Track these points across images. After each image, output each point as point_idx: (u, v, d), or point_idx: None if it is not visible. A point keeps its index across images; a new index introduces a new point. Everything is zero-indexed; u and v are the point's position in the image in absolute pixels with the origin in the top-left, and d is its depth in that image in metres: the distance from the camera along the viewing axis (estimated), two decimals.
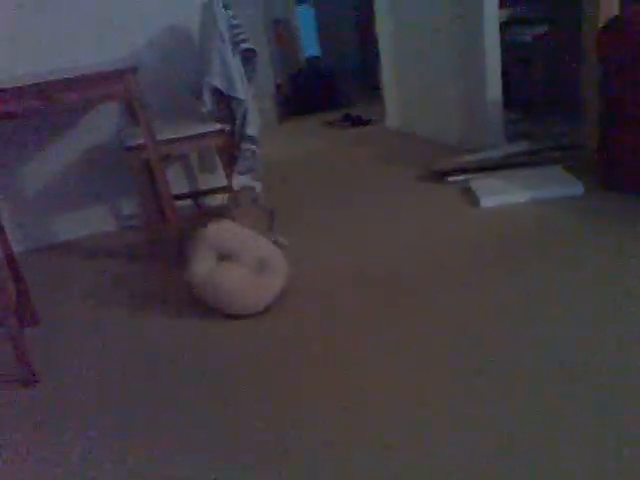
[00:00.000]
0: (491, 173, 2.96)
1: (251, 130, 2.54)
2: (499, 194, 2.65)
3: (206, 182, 3.23)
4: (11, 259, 2.04)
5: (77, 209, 3.06)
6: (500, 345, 1.61)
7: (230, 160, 2.69)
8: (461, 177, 3.01)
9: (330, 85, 5.64)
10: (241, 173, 2.60)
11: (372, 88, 5.74)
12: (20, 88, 2.01)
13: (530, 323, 1.69)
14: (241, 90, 2.41)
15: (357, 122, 4.74)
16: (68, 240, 3.05)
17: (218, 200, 3.20)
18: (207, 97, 2.41)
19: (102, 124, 2.97)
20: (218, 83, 2.38)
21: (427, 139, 3.95)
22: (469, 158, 3.11)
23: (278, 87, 5.48)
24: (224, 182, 2.93)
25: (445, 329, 1.73)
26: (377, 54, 4.42)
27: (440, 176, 3.08)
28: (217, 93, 2.47)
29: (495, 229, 2.38)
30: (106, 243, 2.92)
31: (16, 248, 2.88)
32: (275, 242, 2.27)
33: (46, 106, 1.98)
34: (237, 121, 2.55)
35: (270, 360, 1.72)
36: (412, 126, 4.16)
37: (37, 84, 2.05)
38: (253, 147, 2.58)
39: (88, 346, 1.97)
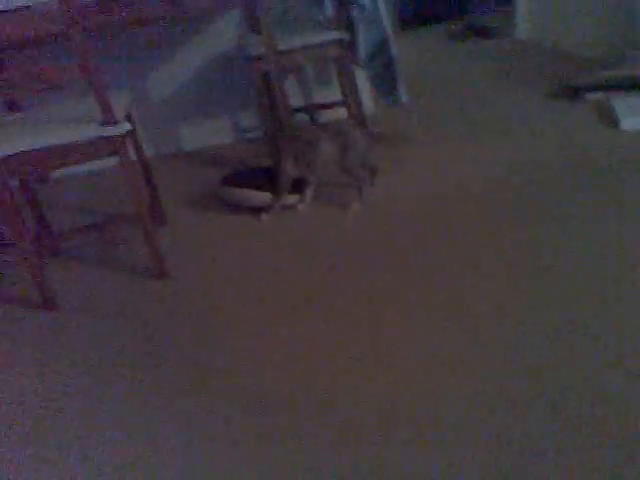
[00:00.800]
0: (636, 91, 2.64)
1: (387, 30, 2.42)
2: None
3: (322, 96, 3.18)
4: (145, 163, 2.18)
5: (199, 120, 3.17)
6: None
7: (347, 73, 2.61)
8: (599, 95, 2.71)
9: None
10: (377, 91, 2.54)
11: None
12: None
13: None
14: None
15: (482, 32, 4.38)
16: (191, 149, 3.19)
17: (334, 115, 3.15)
18: (328, 1, 2.31)
19: (224, 33, 2.98)
20: None
21: (563, 51, 3.56)
22: (611, 73, 2.78)
23: None
24: (339, 96, 2.87)
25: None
26: None
27: (575, 93, 2.80)
28: None
29: (637, 155, 2.15)
30: (225, 153, 3.02)
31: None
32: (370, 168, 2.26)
33: (174, 11, 2.01)
34: (360, 30, 2.44)
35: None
36: (546, 36, 3.77)
37: None
38: (389, 53, 2.45)
39: (207, 245, 2.11)
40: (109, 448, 1.32)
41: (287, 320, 1.64)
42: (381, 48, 2.46)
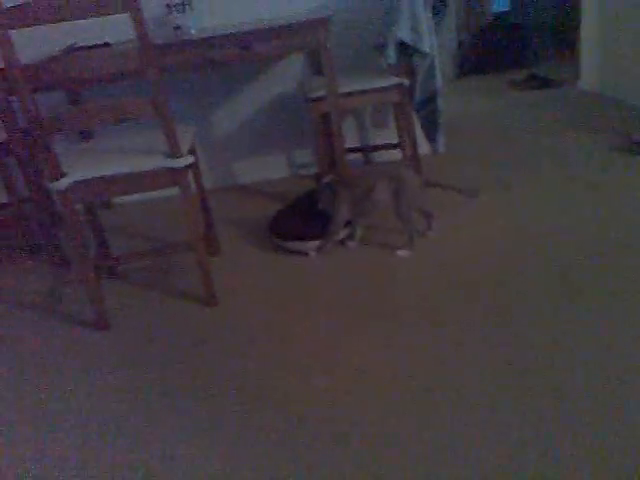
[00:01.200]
0: None
1: (438, 83, 2.47)
2: None
3: (377, 138, 3.23)
4: (203, 195, 2.26)
5: (257, 155, 3.27)
6: None
7: (405, 116, 2.65)
8: None
9: (517, 41, 5.22)
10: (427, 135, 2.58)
11: (566, 46, 5.18)
12: (224, 37, 2.17)
13: None
14: (428, 43, 2.34)
15: (544, 83, 4.35)
16: (246, 183, 3.29)
17: (388, 157, 3.18)
18: (391, 50, 2.37)
19: (286, 74, 3.10)
20: (405, 35, 2.33)
21: (628, 104, 3.49)
22: None
23: (460, 44, 5.22)
24: (395, 139, 2.91)
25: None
26: (574, 9, 3.96)
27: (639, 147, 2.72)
28: (401, 46, 2.42)
29: None
30: (280, 187, 3.09)
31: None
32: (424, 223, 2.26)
33: (244, 56, 2.11)
34: (419, 76, 2.48)
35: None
36: (611, 88, 3.71)
37: (236, 33, 2.19)
38: (437, 105, 2.51)
39: (259, 278, 2.14)
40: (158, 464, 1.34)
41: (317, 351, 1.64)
42: (431, 98, 2.51)
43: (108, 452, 1.42)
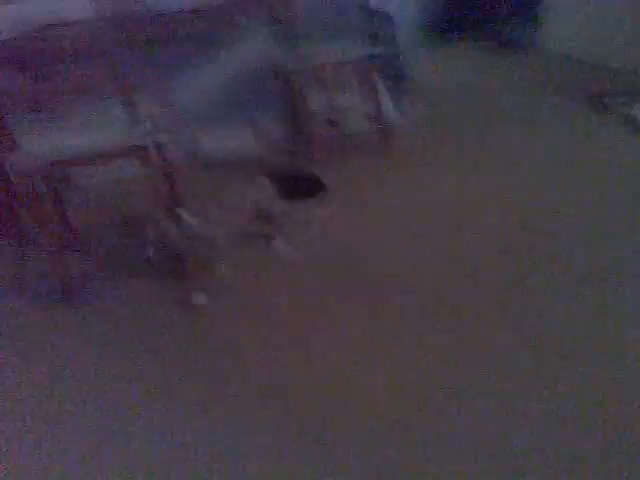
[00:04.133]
0: None
1: (401, 48, 2.45)
2: None
3: (344, 104, 3.18)
4: (169, 167, 2.20)
5: (225, 128, 3.19)
6: None
7: (371, 82, 2.62)
8: (631, 106, 2.67)
9: (483, 6, 5.18)
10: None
11: (531, 7, 5.18)
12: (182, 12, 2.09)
13: None
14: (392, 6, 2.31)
15: (510, 44, 4.34)
16: (215, 155, 3.20)
17: (359, 124, 3.14)
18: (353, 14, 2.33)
19: (253, 46, 3.01)
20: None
21: (592, 63, 3.50)
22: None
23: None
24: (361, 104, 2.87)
25: None
26: None
27: (603, 105, 2.75)
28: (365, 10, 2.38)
29: None
30: (251, 159, 3.03)
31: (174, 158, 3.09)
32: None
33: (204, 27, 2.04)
34: (382, 41, 2.46)
35: None
36: (573, 48, 3.72)
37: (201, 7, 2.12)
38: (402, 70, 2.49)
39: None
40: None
41: None
42: (394, 63, 2.51)
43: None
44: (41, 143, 1.76)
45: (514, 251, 1.82)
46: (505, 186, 2.23)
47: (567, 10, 3.79)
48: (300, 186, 2.26)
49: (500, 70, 3.89)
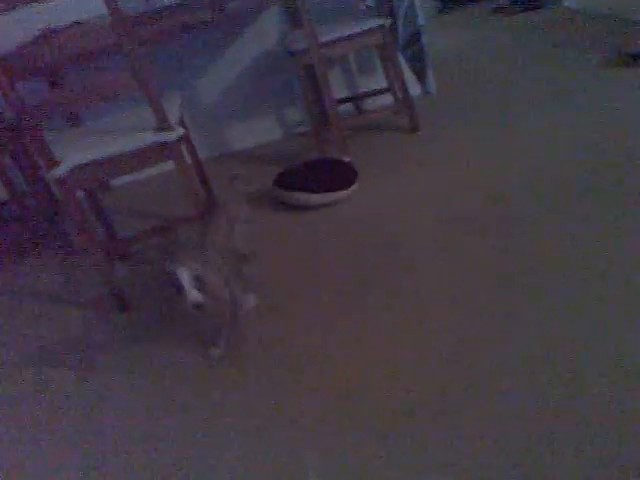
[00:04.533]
0: None
1: (420, 21, 2.42)
2: None
3: (366, 84, 3.17)
4: (198, 164, 2.26)
5: (248, 119, 3.23)
6: None
7: (391, 59, 2.60)
8: None
9: None
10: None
11: None
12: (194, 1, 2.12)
13: None
14: None
15: (529, 5, 4.22)
16: (241, 149, 3.26)
17: (381, 102, 3.13)
18: None
19: (266, 31, 3.02)
20: None
21: (617, 18, 3.39)
22: None
23: None
24: (384, 83, 2.86)
25: None
26: None
27: (633, 59, 2.67)
28: None
29: None
30: (276, 149, 3.07)
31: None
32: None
33: (217, 15, 2.06)
34: (400, 15, 2.42)
35: None
36: (598, 3, 3.59)
37: None
38: (422, 43, 2.46)
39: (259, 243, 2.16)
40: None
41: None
42: (415, 37, 2.47)
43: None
44: (76, 154, 1.81)
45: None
46: (535, 151, 2.19)
47: None
48: (333, 175, 2.28)
49: (523, 31, 3.78)
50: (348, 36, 2.46)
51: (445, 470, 1.12)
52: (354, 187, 2.27)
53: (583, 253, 1.60)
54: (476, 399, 1.26)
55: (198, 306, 1.40)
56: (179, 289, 1.40)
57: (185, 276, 1.39)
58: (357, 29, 2.45)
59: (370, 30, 2.45)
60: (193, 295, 1.39)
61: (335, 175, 2.29)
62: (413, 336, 1.50)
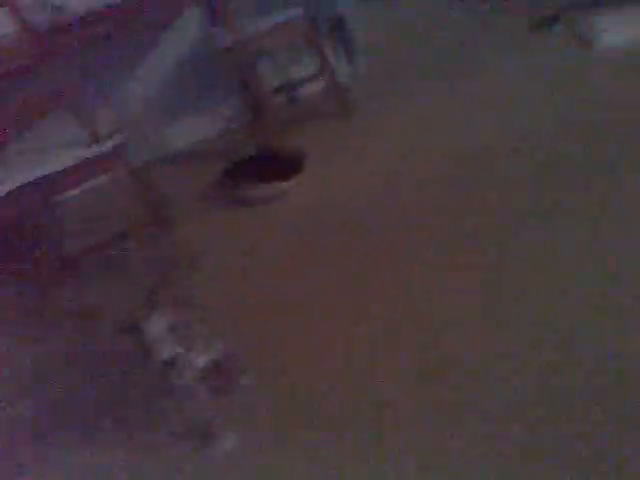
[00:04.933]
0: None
1: (341, 3, 2.45)
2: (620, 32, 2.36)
3: (297, 73, 3.17)
4: (140, 172, 2.22)
5: (183, 118, 3.19)
6: None
7: (315, 44, 2.62)
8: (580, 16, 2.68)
9: None
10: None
11: None
12: (109, 9, 2.08)
13: None
14: None
15: None
16: (177, 150, 3.20)
17: (313, 90, 3.14)
18: None
19: (189, 30, 2.99)
20: None
21: None
22: None
23: None
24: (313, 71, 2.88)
25: None
26: None
27: (554, 20, 2.78)
28: None
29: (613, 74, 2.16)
30: (215, 146, 3.05)
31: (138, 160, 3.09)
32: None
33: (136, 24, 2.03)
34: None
35: None
36: None
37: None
38: (345, 29, 2.49)
39: (215, 241, 2.18)
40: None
41: None
42: (338, 23, 2.50)
43: None
44: (12, 175, 1.77)
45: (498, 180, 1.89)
46: (468, 123, 2.28)
47: None
48: (279, 165, 2.30)
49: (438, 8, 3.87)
50: (271, 28, 2.48)
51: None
52: (301, 175, 2.31)
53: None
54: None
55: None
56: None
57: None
58: (279, 19, 2.48)
59: (292, 20, 2.48)
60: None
61: (281, 166, 2.31)
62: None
